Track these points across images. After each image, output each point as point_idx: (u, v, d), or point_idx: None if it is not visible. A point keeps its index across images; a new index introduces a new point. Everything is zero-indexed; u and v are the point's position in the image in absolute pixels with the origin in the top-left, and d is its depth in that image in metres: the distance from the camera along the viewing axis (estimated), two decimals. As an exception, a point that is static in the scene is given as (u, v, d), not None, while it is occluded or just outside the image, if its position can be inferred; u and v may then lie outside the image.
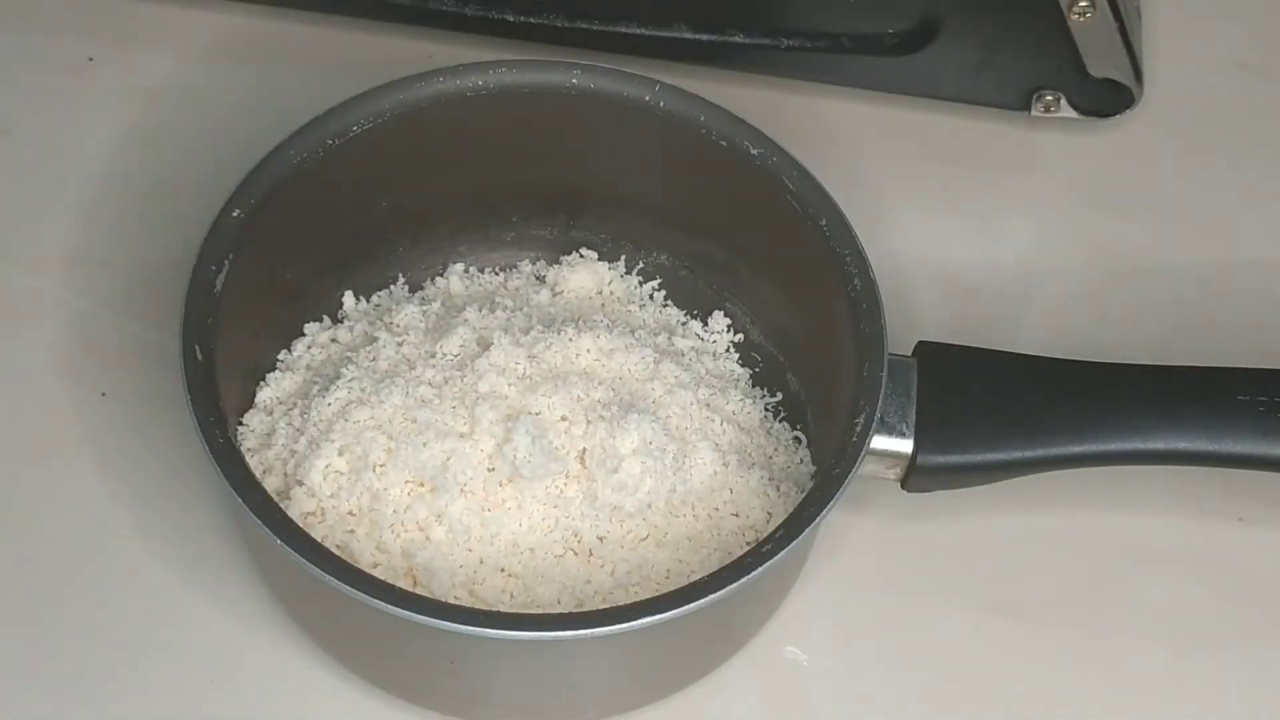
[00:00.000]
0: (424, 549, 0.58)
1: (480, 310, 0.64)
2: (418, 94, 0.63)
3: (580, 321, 0.64)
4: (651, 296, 0.68)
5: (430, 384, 0.61)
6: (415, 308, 0.65)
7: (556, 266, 0.68)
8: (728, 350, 0.66)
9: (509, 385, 0.60)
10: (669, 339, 0.66)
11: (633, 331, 0.64)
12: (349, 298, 0.66)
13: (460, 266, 0.68)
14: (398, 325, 0.64)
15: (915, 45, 0.73)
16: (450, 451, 0.59)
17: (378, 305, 0.67)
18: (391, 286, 0.67)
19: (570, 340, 0.62)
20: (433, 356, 0.62)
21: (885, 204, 0.72)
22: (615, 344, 0.62)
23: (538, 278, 0.68)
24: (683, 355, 0.65)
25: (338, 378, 0.62)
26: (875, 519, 0.65)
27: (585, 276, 0.67)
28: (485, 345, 0.62)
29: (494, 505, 0.59)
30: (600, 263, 0.68)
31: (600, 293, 0.67)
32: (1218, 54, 0.79)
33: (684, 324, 0.67)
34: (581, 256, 0.68)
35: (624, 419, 0.60)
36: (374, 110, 0.63)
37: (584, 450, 0.60)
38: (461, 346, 0.62)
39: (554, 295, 0.67)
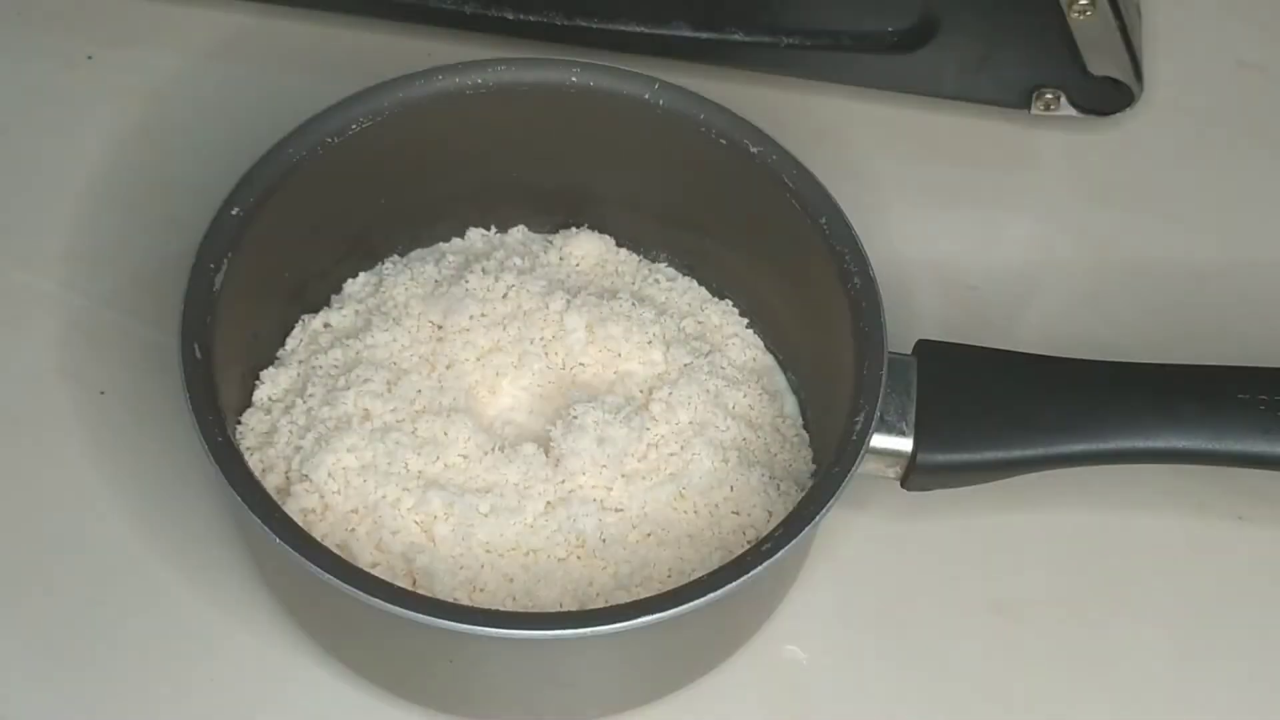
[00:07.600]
0: (425, 551, 0.58)
1: (484, 274, 0.64)
2: (417, 92, 0.63)
3: (603, 306, 0.64)
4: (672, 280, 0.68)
5: (439, 385, 0.61)
6: (411, 280, 0.65)
7: (565, 232, 0.68)
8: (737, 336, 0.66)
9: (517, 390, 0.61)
10: (695, 322, 0.66)
11: (660, 314, 0.64)
12: (349, 284, 0.66)
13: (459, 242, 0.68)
14: (395, 301, 0.64)
15: (915, 43, 0.73)
16: (455, 453, 0.59)
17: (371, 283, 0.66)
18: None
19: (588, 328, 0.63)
20: (439, 328, 0.62)
21: (885, 202, 0.72)
22: (636, 336, 0.63)
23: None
24: (701, 340, 0.65)
25: (342, 373, 0.62)
26: (875, 518, 0.65)
27: (591, 245, 0.67)
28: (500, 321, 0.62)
29: (497, 507, 0.59)
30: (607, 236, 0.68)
31: (608, 263, 0.68)
32: (1218, 53, 0.79)
33: (704, 306, 0.67)
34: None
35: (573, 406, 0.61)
36: (373, 108, 0.63)
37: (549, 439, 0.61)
38: (471, 319, 0.62)
39: (561, 261, 0.67)
